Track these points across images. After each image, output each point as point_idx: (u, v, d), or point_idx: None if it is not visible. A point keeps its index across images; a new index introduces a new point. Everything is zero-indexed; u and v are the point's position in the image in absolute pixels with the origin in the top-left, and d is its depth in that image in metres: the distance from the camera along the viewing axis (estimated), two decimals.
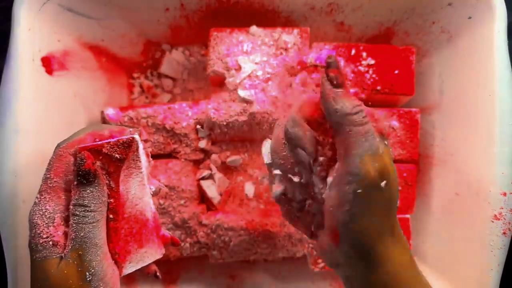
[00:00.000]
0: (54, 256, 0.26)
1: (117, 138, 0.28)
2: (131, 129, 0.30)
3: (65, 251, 0.26)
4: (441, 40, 0.44)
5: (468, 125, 0.40)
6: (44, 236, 0.26)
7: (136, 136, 0.29)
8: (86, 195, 0.26)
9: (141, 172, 0.30)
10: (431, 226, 0.45)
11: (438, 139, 0.45)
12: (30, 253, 0.27)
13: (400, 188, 0.44)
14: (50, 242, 0.26)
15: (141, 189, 0.30)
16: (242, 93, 0.41)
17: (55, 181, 0.27)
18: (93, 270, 0.26)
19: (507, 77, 0.37)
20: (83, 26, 0.42)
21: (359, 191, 0.24)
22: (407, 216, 0.44)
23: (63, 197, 0.28)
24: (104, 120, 0.43)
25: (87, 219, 0.26)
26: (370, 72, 0.43)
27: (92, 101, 0.45)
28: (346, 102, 0.25)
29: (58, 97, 0.40)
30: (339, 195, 0.25)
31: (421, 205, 0.46)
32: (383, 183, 0.25)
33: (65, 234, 0.27)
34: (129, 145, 0.28)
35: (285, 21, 0.47)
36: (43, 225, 0.27)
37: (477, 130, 0.39)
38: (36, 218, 0.27)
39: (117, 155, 0.28)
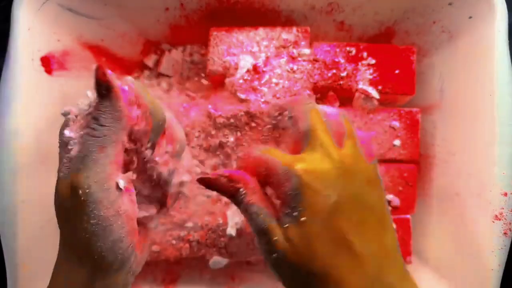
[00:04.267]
0: (61, 174, 0.24)
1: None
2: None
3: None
4: (441, 39, 0.44)
5: (468, 125, 0.40)
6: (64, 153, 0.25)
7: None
8: (100, 108, 0.24)
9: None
10: (431, 226, 0.45)
11: (438, 139, 0.45)
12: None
13: (389, 198, 0.44)
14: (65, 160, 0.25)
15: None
16: (241, 93, 0.41)
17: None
18: (87, 189, 0.23)
19: (507, 77, 0.36)
20: (83, 26, 0.42)
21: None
22: (407, 216, 0.44)
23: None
24: None
25: (95, 132, 0.24)
26: (371, 71, 0.43)
27: None
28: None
29: (57, 97, 0.40)
30: None
31: (422, 205, 0.46)
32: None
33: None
34: None
35: (285, 20, 0.47)
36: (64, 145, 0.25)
37: (478, 130, 0.39)
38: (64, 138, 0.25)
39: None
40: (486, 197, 0.37)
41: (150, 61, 0.52)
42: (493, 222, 0.36)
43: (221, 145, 0.46)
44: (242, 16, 0.46)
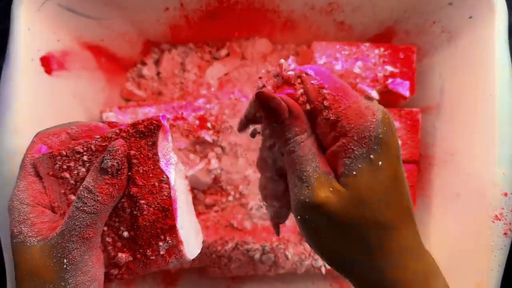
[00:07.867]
0: (30, 243, 0.25)
1: (147, 119, 0.27)
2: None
3: (53, 233, 0.25)
4: (441, 39, 0.44)
5: (468, 125, 0.40)
6: (22, 220, 0.26)
7: (164, 121, 0.27)
8: (100, 184, 0.25)
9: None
10: (431, 226, 0.45)
11: (438, 139, 0.45)
12: (10, 239, 0.26)
13: None
14: (29, 226, 0.25)
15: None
16: None
17: (32, 169, 0.27)
18: (72, 259, 0.24)
19: (507, 77, 0.36)
20: (82, 26, 0.42)
21: (298, 217, 0.25)
22: None
23: (41, 184, 0.27)
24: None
25: (87, 208, 0.25)
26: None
27: (91, 101, 0.45)
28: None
29: (57, 97, 0.40)
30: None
31: (421, 205, 0.46)
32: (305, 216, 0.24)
33: (51, 220, 0.26)
34: (158, 126, 0.26)
35: (285, 20, 0.47)
36: (23, 210, 0.26)
37: (478, 130, 0.39)
38: (16, 203, 0.26)
39: (149, 139, 0.26)
40: (486, 197, 0.37)
41: (150, 61, 0.52)
42: (493, 222, 0.36)
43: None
44: (242, 16, 0.46)
